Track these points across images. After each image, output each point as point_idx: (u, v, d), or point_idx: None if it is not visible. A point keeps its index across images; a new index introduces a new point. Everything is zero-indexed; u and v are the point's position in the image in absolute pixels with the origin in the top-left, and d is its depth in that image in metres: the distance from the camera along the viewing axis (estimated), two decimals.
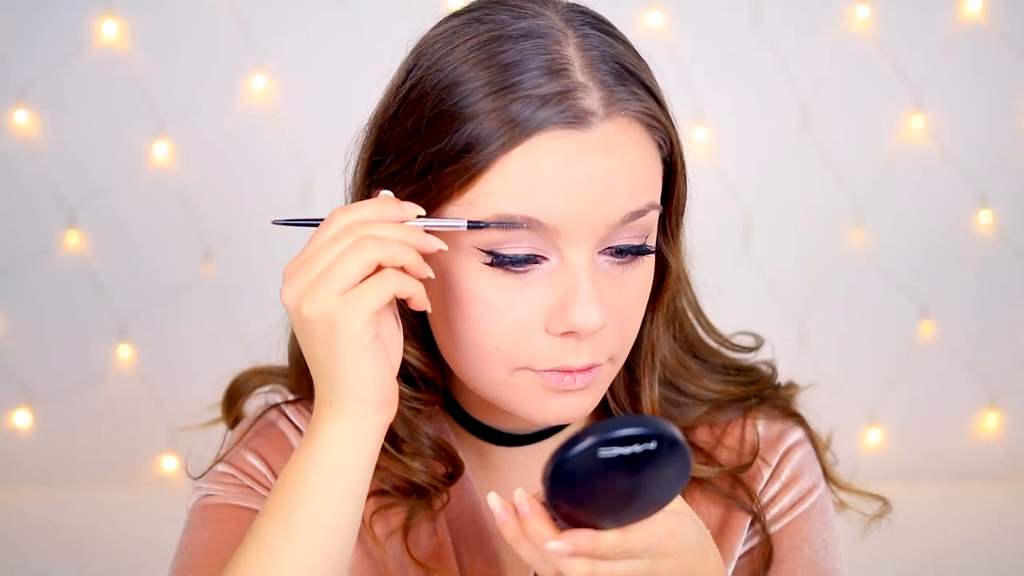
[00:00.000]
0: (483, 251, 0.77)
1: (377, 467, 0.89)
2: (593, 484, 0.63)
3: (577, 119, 0.75)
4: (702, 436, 0.95)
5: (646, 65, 0.82)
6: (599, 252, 0.79)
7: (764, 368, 0.99)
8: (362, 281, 0.73)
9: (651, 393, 0.90)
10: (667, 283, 0.89)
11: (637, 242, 0.79)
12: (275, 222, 0.83)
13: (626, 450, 0.61)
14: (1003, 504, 1.97)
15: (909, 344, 2.05)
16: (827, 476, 0.97)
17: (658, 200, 0.80)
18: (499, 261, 0.77)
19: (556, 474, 0.62)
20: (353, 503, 0.76)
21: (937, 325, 2.04)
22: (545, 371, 0.79)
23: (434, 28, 0.83)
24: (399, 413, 0.87)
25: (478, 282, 0.78)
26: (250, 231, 1.91)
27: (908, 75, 1.99)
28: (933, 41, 1.99)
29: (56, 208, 1.89)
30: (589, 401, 0.82)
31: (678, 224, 0.87)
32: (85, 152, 1.89)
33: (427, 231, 0.76)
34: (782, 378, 1.00)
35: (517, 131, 0.74)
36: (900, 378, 2.04)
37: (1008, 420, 2.07)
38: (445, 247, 0.76)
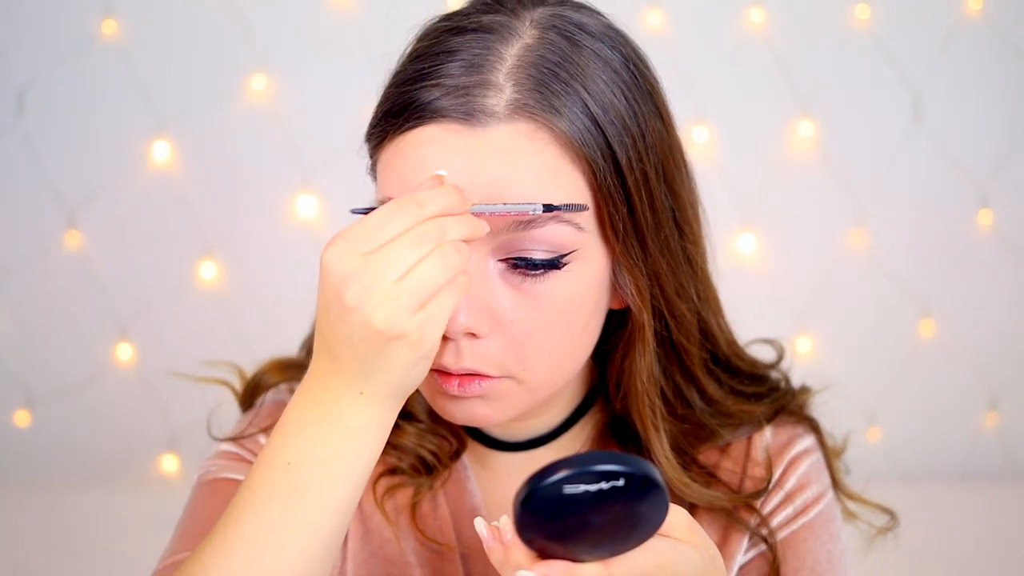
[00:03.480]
0: None
1: (394, 446, 0.91)
2: (562, 518, 0.62)
3: (470, 116, 0.74)
4: (709, 457, 0.93)
5: (624, 90, 0.79)
6: (500, 259, 0.77)
7: (774, 375, 0.97)
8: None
9: (659, 441, 0.87)
10: (631, 328, 0.85)
11: (544, 256, 0.77)
12: (353, 211, 0.77)
13: (592, 487, 0.61)
14: (1003, 504, 1.97)
15: (909, 344, 2.04)
16: (836, 485, 0.95)
17: (571, 217, 0.76)
18: None
19: (524, 507, 0.62)
20: (363, 486, 0.74)
21: (937, 325, 2.04)
22: (434, 370, 0.79)
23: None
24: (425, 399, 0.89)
25: None
26: (250, 231, 1.91)
27: (908, 75, 1.99)
28: (933, 41, 1.99)
29: (56, 208, 1.89)
30: (488, 411, 0.81)
31: (633, 257, 0.81)
32: (85, 152, 1.89)
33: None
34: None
35: (414, 114, 0.75)
36: (900, 378, 2.04)
37: (1008, 420, 2.07)
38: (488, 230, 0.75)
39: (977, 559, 1.82)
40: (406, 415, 0.93)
